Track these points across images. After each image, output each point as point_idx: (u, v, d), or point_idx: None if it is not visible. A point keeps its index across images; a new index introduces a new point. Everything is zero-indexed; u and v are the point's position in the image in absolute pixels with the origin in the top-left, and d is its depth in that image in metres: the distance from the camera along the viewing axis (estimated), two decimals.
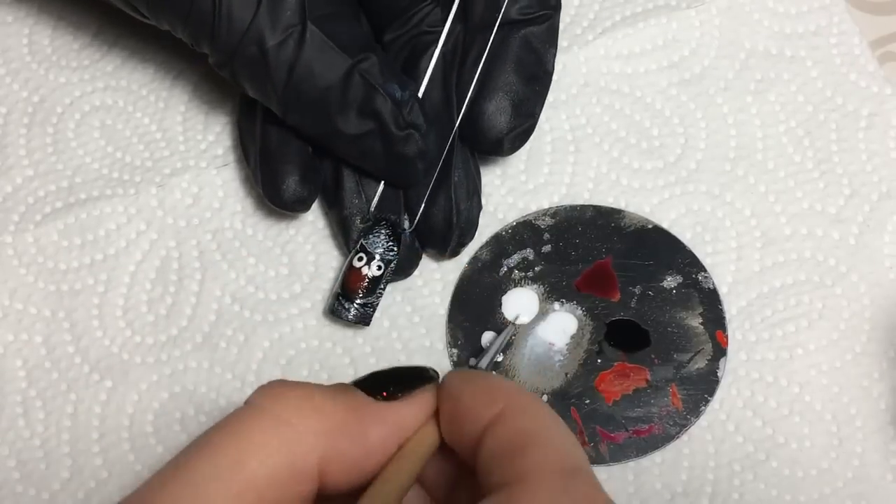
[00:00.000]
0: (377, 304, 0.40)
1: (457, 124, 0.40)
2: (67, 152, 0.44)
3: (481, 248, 0.42)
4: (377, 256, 0.40)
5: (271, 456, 0.25)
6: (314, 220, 0.43)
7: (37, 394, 0.40)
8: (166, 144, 0.44)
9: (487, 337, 0.41)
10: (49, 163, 0.43)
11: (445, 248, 0.41)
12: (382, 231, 0.40)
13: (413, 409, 0.28)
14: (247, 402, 0.27)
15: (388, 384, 0.28)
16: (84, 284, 0.41)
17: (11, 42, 0.46)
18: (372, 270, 0.39)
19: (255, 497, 0.25)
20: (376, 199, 0.40)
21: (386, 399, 0.28)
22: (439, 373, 0.29)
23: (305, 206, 0.41)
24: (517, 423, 0.26)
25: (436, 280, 0.42)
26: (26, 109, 0.44)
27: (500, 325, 0.41)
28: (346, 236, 0.41)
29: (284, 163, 0.40)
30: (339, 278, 0.40)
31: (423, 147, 0.39)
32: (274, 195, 0.40)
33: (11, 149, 0.44)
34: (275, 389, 0.27)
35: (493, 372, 0.40)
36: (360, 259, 0.40)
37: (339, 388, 0.28)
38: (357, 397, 0.28)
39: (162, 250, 0.42)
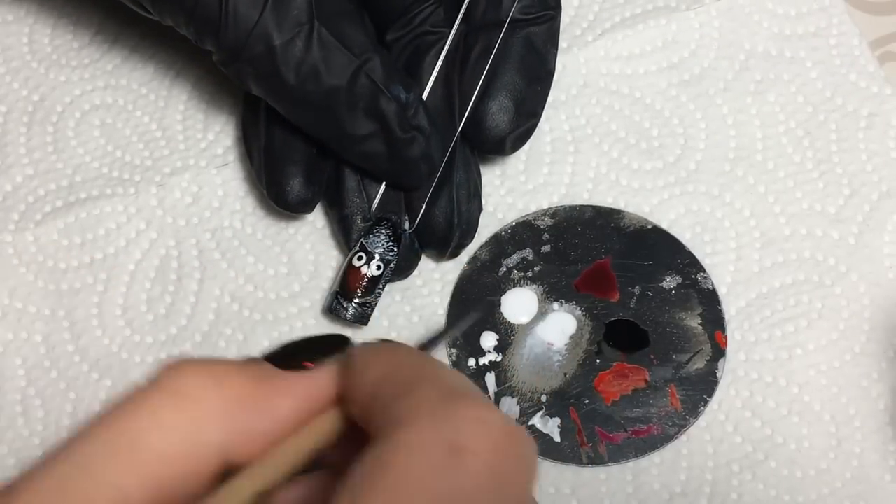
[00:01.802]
0: (375, 304, 0.40)
1: (460, 125, 0.40)
2: (67, 151, 0.44)
3: (480, 248, 0.42)
4: (377, 256, 0.40)
5: (170, 433, 0.24)
6: (314, 219, 0.43)
7: (36, 392, 0.40)
8: (166, 143, 0.44)
9: (487, 338, 0.41)
10: (49, 161, 0.43)
11: (446, 249, 0.41)
12: (383, 231, 0.40)
13: (325, 380, 0.26)
14: (146, 381, 0.25)
15: (299, 353, 0.27)
16: (84, 283, 0.41)
17: (11, 41, 0.46)
18: (371, 270, 0.39)
19: (152, 474, 0.23)
20: (377, 198, 0.40)
21: (295, 369, 0.26)
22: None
23: (309, 208, 0.41)
24: (399, 375, 0.25)
25: (435, 280, 0.42)
26: (26, 108, 0.45)
27: (499, 325, 0.41)
28: (347, 235, 0.41)
29: (288, 164, 0.40)
30: (338, 277, 0.40)
31: (426, 150, 0.39)
32: (278, 196, 0.40)
33: (11, 147, 0.44)
34: (176, 364, 0.25)
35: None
36: (360, 258, 0.40)
37: (246, 360, 0.26)
38: (264, 368, 0.26)
39: (161, 249, 0.42)
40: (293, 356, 0.27)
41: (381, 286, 0.40)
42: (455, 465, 0.22)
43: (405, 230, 0.40)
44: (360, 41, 0.37)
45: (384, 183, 0.40)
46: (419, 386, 0.24)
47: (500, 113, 0.40)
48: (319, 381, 0.26)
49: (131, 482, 0.23)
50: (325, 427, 0.26)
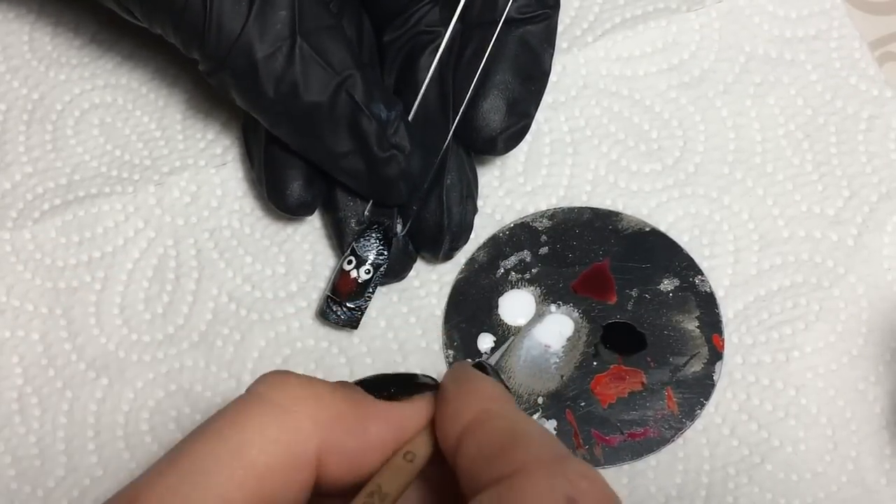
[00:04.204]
0: (366, 308, 0.40)
1: (453, 125, 0.40)
2: (66, 150, 0.44)
3: (478, 249, 0.42)
4: (367, 260, 0.40)
5: (271, 443, 0.25)
6: (312, 219, 0.43)
7: (33, 391, 0.40)
8: (165, 143, 0.44)
9: (484, 339, 0.41)
10: (48, 160, 0.44)
11: (438, 251, 0.41)
12: (374, 235, 0.40)
13: (412, 411, 0.28)
14: (247, 391, 0.27)
15: (390, 386, 0.28)
16: (81, 282, 0.42)
17: (12, 39, 0.46)
18: (361, 274, 0.40)
19: (254, 485, 0.25)
20: (370, 202, 0.40)
21: (386, 399, 0.28)
22: (437, 379, 0.30)
23: (310, 211, 0.41)
24: (496, 425, 0.26)
25: (432, 281, 0.42)
26: (26, 106, 0.45)
27: (496, 326, 0.41)
28: (341, 239, 0.41)
29: (289, 167, 0.40)
30: (331, 281, 0.40)
31: (406, 168, 0.39)
32: (279, 200, 0.40)
33: (11, 146, 0.44)
34: (275, 378, 0.27)
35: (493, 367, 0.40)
36: (350, 262, 0.40)
37: (340, 383, 0.28)
38: (357, 393, 0.28)
39: (160, 248, 0.42)
40: (383, 386, 0.29)
41: (370, 290, 0.40)
42: None
43: (397, 234, 0.40)
44: (342, 57, 0.37)
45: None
46: (522, 442, 0.26)
47: (491, 112, 0.40)
48: (409, 412, 0.28)
49: (236, 493, 0.25)
50: (422, 447, 0.28)
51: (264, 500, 0.25)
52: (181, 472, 0.25)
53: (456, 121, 0.40)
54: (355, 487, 0.27)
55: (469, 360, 0.39)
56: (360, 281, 0.39)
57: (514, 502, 0.24)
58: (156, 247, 0.42)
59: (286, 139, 0.39)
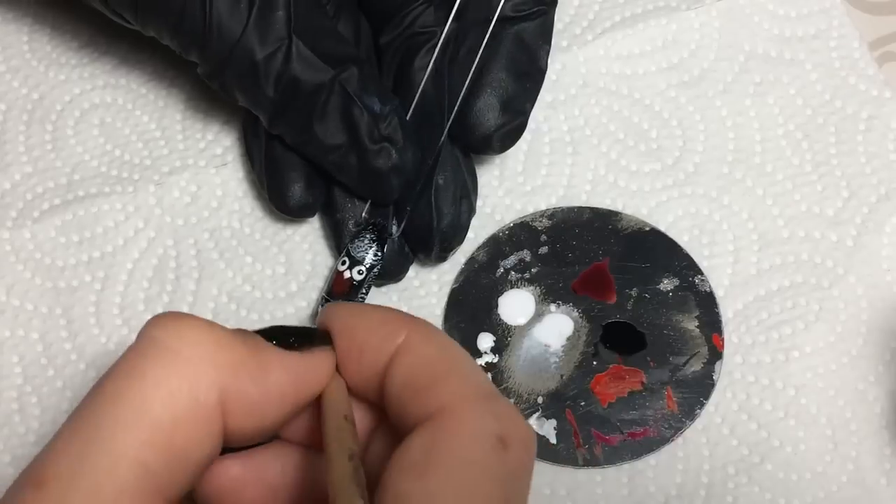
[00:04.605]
0: None
1: (447, 124, 0.40)
2: (66, 149, 0.44)
3: (478, 249, 0.42)
4: (360, 261, 0.40)
5: (173, 395, 0.24)
6: (311, 220, 0.43)
7: (32, 390, 0.40)
8: (165, 143, 0.44)
9: (483, 339, 0.41)
10: (48, 160, 0.44)
11: (429, 252, 0.41)
12: (367, 236, 0.40)
13: (313, 363, 0.27)
14: (141, 337, 0.25)
15: (289, 336, 0.27)
16: (81, 281, 0.42)
17: (11, 39, 0.46)
18: (354, 275, 0.40)
19: (163, 442, 0.24)
20: (368, 203, 0.40)
21: (286, 349, 0.27)
22: None
23: (311, 212, 0.41)
24: (423, 351, 0.26)
25: (432, 281, 0.42)
26: (26, 106, 0.45)
27: (496, 326, 0.41)
28: (339, 240, 0.41)
29: (289, 169, 0.40)
30: (327, 282, 0.40)
31: (397, 162, 0.39)
32: (280, 202, 0.40)
33: (10, 145, 0.44)
34: (169, 321, 0.25)
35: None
36: (344, 263, 0.40)
37: (239, 329, 0.27)
38: (257, 340, 0.27)
39: (160, 248, 0.42)
40: (282, 336, 0.27)
41: (363, 291, 0.40)
42: (502, 453, 0.24)
43: (391, 234, 0.40)
44: (336, 54, 0.38)
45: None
46: (449, 375, 0.26)
47: (484, 110, 0.40)
48: (309, 363, 0.27)
49: (147, 452, 0.24)
50: (342, 393, 0.27)
51: (177, 455, 0.24)
52: (86, 441, 0.23)
53: (450, 120, 0.40)
54: (254, 441, 0.26)
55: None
56: (353, 282, 0.40)
57: (446, 443, 0.24)
58: (156, 247, 0.42)
59: (285, 135, 0.39)
